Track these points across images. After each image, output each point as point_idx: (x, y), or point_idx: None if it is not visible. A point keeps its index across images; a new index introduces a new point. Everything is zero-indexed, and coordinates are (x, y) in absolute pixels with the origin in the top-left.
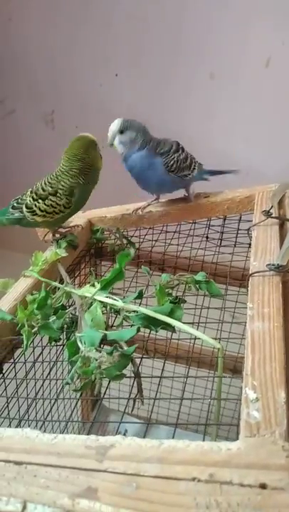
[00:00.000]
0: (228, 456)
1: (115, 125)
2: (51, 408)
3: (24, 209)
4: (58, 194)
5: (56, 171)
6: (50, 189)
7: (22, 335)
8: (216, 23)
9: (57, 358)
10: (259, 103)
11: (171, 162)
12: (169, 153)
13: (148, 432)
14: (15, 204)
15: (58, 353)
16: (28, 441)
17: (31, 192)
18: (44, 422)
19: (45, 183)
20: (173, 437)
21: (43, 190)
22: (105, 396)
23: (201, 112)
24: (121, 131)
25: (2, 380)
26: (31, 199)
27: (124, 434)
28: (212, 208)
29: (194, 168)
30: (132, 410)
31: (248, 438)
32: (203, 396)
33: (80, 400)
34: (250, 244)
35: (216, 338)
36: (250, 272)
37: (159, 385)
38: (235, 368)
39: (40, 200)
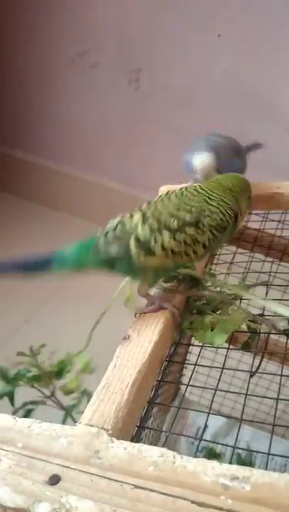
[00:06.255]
0: None
1: None
2: None
3: (132, 243)
4: (202, 224)
5: (194, 191)
6: (188, 216)
7: None
8: None
9: None
10: None
11: None
12: None
13: (230, 430)
14: (110, 232)
15: None
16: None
17: (143, 215)
18: None
19: (178, 206)
20: None
21: (177, 217)
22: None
23: None
24: None
25: None
26: (148, 228)
27: (204, 430)
28: None
29: None
30: None
31: None
32: None
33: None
34: None
35: None
36: None
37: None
38: None
39: (165, 232)
